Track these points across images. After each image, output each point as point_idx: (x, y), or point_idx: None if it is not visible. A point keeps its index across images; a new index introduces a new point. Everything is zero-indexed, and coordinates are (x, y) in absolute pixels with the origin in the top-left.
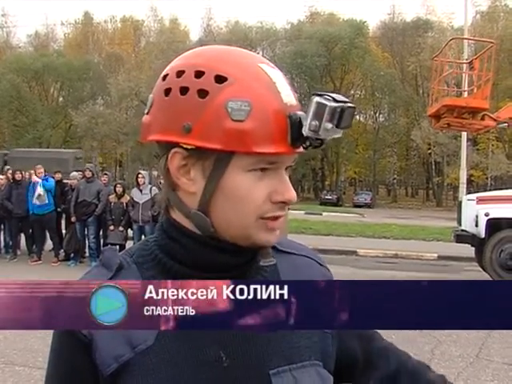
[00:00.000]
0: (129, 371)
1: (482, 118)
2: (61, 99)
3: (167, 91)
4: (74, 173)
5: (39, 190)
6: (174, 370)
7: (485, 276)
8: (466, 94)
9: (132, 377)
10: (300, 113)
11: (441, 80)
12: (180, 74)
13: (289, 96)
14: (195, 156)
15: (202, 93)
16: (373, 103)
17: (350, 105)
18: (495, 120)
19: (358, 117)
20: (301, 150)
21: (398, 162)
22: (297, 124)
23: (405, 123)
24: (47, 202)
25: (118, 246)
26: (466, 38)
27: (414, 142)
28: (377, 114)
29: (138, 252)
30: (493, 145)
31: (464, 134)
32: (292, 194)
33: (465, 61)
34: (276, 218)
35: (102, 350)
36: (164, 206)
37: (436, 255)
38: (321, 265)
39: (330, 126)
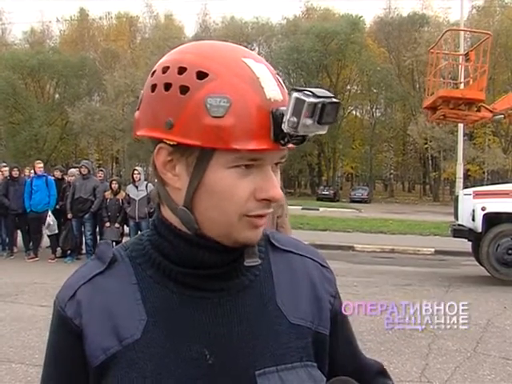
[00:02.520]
0: (115, 364)
1: (478, 110)
2: (57, 96)
3: (153, 87)
4: (72, 169)
5: (49, 220)
6: (158, 365)
7: (482, 270)
8: (462, 86)
9: (118, 370)
10: (284, 108)
11: (437, 72)
12: (165, 70)
13: (273, 91)
14: (179, 152)
15: (184, 89)
16: (369, 98)
17: (332, 100)
18: (491, 111)
19: (354, 112)
20: (287, 146)
21: (395, 156)
22: (279, 120)
23: (401, 118)
24: (46, 200)
25: (114, 243)
26: (461, 30)
27: (411, 136)
28: (373, 109)
29: (132, 246)
30: (489, 139)
31: (460, 129)
32: (277, 191)
33: (461, 53)
34: (260, 216)
35: (91, 341)
36: (156, 201)
37: (433, 250)
38: (322, 265)
39: (309, 122)
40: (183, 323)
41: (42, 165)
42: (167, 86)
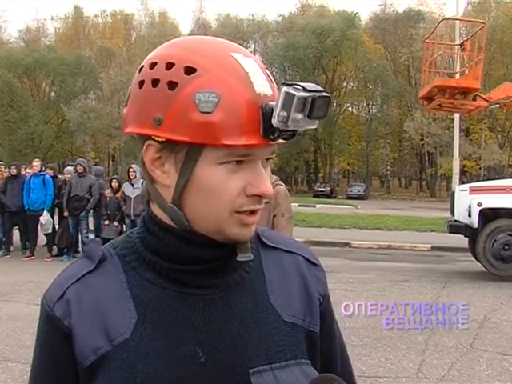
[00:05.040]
0: (106, 364)
1: (474, 99)
2: (52, 94)
3: (141, 83)
4: (69, 167)
5: (41, 219)
6: (149, 364)
7: (478, 266)
8: (458, 76)
9: (109, 370)
10: (273, 103)
11: (432, 62)
12: (153, 65)
13: (263, 86)
14: (168, 148)
15: (172, 84)
16: (365, 95)
17: (322, 94)
18: (487, 101)
19: (350, 108)
20: (276, 141)
21: (391, 153)
22: (269, 115)
23: (397, 114)
24: (43, 199)
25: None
26: (456, 19)
27: (407, 133)
28: (369, 106)
29: (121, 244)
30: (486, 135)
31: (456, 125)
32: (267, 187)
33: (456, 42)
34: (252, 213)
35: (81, 342)
36: (145, 198)
37: (429, 246)
38: (312, 263)
39: (299, 116)
40: (174, 321)
41: (37, 163)
42: (155, 82)
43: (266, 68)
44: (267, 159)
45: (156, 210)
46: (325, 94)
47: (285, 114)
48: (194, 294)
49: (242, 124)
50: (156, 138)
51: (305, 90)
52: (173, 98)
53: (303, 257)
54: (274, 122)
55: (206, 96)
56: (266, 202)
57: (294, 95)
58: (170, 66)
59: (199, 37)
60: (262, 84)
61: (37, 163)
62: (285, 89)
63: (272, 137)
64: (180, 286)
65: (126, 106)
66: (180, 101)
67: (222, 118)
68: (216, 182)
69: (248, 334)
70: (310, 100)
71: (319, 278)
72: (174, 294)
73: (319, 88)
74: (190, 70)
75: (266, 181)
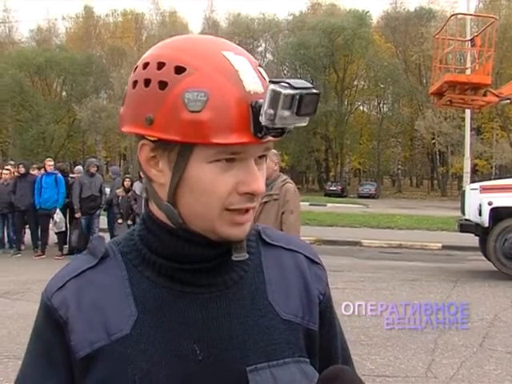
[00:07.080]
0: (102, 358)
1: (485, 94)
2: (64, 94)
3: (135, 83)
4: (79, 167)
5: (56, 217)
6: (148, 361)
7: (489, 265)
8: (468, 72)
9: (106, 364)
10: (262, 101)
11: (442, 58)
12: (145, 66)
13: (253, 84)
14: (161, 148)
15: (162, 84)
16: (376, 93)
17: (310, 91)
18: (497, 96)
19: (361, 107)
20: (268, 139)
21: (403, 152)
22: (259, 113)
23: (408, 113)
24: (55, 198)
25: None
26: (467, 14)
27: (418, 131)
28: (380, 105)
29: (123, 241)
30: (497, 134)
31: (468, 124)
32: (259, 184)
33: (466, 38)
34: (244, 211)
35: (77, 333)
36: (145, 197)
37: (440, 245)
38: (313, 261)
39: (286, 113)
40: (173, 319)
41: (52, 162)
42: (147, 82)
43: (259, 65)
44: (261, 156)
45: (154, 208)
46: (313, 90)
47: (272, 111)
48: (193, 293)
49: (232, 122)
50: (149, 138)
51: (292, 87)
52: (163, 98)
53: (304, 255)
54: (262, 119)
55: (194, 95)
56: (275, 199)
57: (281, 93)
58: (160, 65)
59: (192, 36)
60: (253, 82)
61: (51, 162)
62: (271, 86)
63: (259, 135)
64: (179, 285)
65: (122, 105)
66: (170, 100)
67: (211, 117)
68: (207, 180)
69: (246, 331)
70: (297, 97)
71: (319, 276)
72: (173, 293)
73: (307, 85)
74: (179, 70)
75: (258, 178)
